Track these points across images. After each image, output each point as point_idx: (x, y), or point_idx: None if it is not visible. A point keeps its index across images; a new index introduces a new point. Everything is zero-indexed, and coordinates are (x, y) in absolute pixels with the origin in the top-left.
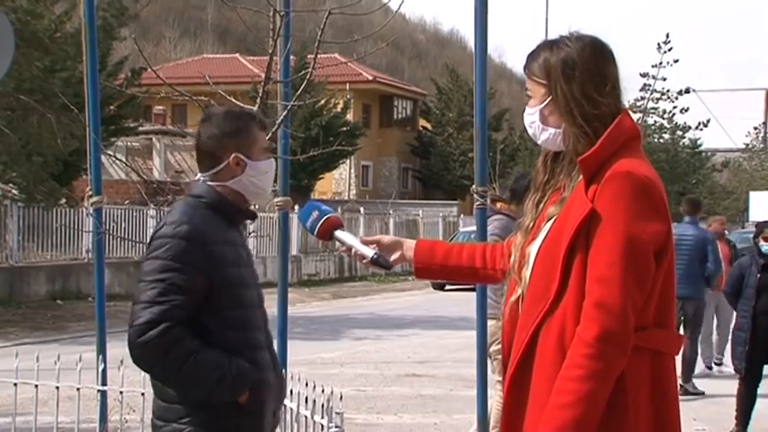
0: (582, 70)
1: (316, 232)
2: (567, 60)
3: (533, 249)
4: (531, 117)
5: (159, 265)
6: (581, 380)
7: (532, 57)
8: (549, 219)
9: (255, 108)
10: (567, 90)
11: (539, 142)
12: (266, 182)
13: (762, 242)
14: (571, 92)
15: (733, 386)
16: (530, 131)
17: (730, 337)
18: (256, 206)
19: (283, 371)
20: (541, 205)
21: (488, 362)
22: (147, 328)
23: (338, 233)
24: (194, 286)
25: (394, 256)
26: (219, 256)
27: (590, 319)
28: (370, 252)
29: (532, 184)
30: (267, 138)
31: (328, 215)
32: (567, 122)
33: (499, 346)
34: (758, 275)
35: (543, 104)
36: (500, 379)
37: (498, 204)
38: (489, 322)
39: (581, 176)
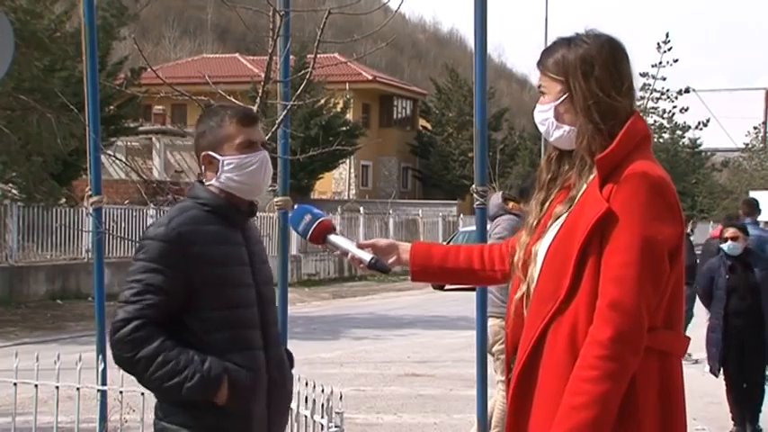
0: (601, 68)
1: (309, 236)
2: (586, 57)
3: (541, 248)
4: (544, 114)
5: (138, 267)
6: (595, 381)
7: (548, 53)
8: (557, 218)
9: (255, 108)
10: (586, 87)
11: (551, 140)
12: (250, 177)
13: (723, 243)
14: (589, 89)
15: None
16: (542, 129)
17: (705, 339)
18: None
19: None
20: (546, 204)
21: (491, 361)
22: (119, 326)
23: (332, 237)
24: (172, 286)
25: (390, 260)
26: (201, 256)
27: (604, 320)
28: (367, 256)
29: (537, 183)
30: (267, 137)
31: (321, 219)
32: (583, 120)
33: (503, 345)
34: (727, 277)
35: (558, 101)
36: (502, 378)
37: (510, 204)
38: (492, 321)
39: (592, 175)
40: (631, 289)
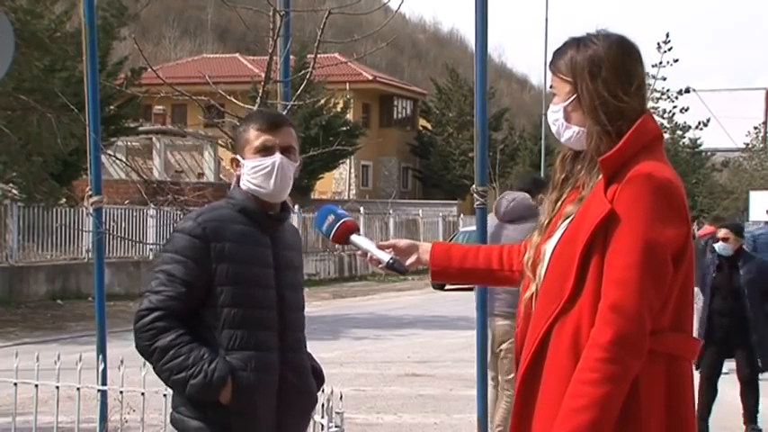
0: (608, 69)
1: (332, 236)
2: (594, 58)
3: (549, 247)
4: (554, 114)
5: (165, 258)
6: (596, 383)
7: (559, 54)
8: (567, 218)
9: (255, 108)
10: (593, 88)
11: (562, 140)
12: (263, 180)
13: (716, 243)
14: (596, 90)
15: (734, 386)
16: (553, 129)
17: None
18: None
19: None
20: (559, 203)
21: (498, 361)
22: (142, 315)
23: (354, 238)
24: (193, 280)
25: (410, 260)
26: (223, 253)
27: (605, 323)
28: (386, 257)
29: (550, 183)
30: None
31: (344, 219)
32: (590, 121)
33: (512, 345)
34: (713, 275)
35: (567, 102)
36: (508, 378)
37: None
38: (502, 321)
39: (600, 176)
40: (633, 292)
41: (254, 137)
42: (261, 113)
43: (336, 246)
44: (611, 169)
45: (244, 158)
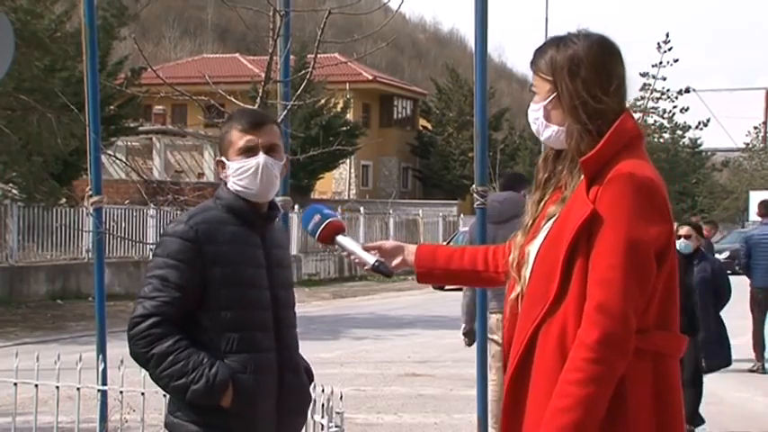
0: (588, 68)
1: (317, 236)
2: (574, 58)
3: (533, 249)
4: (534, 113)
5: (157, 263)
6: (581, 383)
7: (539, 53)
8: (550, 218)
9: (254, 107)
10: (572, 87)
11: (542, 139)
12: (249, 181)
13: (677, 240)
14: (576, 89)
15: (734, 386)
16: (533, 128)
17: None
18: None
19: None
20: (541, 204)
21: (491, 354)
22: (137, 322)
23: (340, 238)
24: (187, 283)
25: (395, 262)
26: (216, 255)
27: (591, 323)
28: (371, 259)
29: (533, 183)
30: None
31: (330, 219)
32: (570, 120)
33: None
34: None
35: (547, 101)
36: None
37: None
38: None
39: (582, 176)
40: (618, 292)
41: (237, 138)
42: (242, 113)
43: (338, 249)
44: (593, 170)
45: (228, 160)
